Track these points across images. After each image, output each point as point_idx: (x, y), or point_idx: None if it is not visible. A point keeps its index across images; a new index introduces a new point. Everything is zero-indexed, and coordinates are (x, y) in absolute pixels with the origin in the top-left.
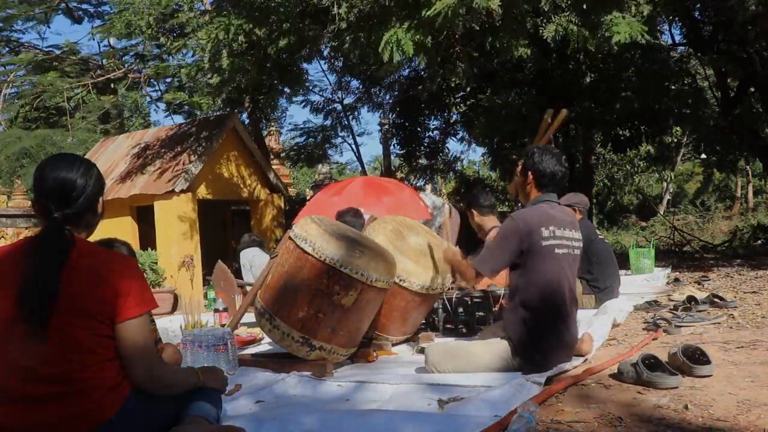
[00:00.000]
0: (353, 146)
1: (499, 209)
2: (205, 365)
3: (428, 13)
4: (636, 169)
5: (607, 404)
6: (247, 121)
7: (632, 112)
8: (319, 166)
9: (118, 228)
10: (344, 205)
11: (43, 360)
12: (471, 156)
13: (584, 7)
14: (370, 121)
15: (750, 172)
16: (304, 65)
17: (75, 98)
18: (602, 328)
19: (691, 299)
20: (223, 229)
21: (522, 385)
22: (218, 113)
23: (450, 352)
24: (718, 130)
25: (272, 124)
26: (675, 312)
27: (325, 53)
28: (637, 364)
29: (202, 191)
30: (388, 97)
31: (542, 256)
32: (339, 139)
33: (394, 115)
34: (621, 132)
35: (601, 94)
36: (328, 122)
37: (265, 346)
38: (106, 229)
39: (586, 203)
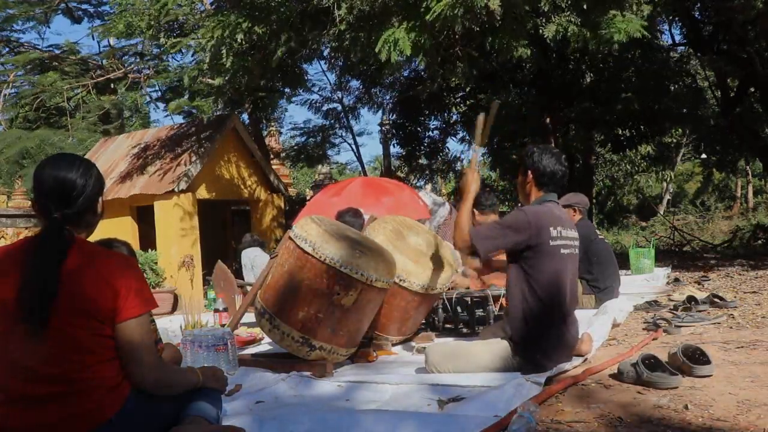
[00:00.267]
0: (353, 146)
1: (499, 209)
2: (205, 365)
3: (428, 17)
4: (636, 169)
5: (607, 404)
6: (247, 121)
7: (632, 112)
8: (319, 166)
9: (118, 228)
10: (344, 205)
11: (43, 360)
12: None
13: (584, 7)
14: (370, 121)
15: (750, 172)
16: (304, 65)
17: (75, 98)
18: (602, 328)
19: (691, 299)
20: (223, 229)
21: (522, 385)
22: (218, 113)
23: (450, 352)
24: (718, 130)
25: (272, 124)
26: (675, 312)
27: (325, 53)
28: (637, 364)
29: (202, 191)
30: (388, 97)
31: (549, 255)
32: (339, 139)
33: (394, 116)
34: (621, 132)
35: (601, 94)
36: (328, 122)
37: (265, 346)
38: (106, 229)
39: (586, 203)
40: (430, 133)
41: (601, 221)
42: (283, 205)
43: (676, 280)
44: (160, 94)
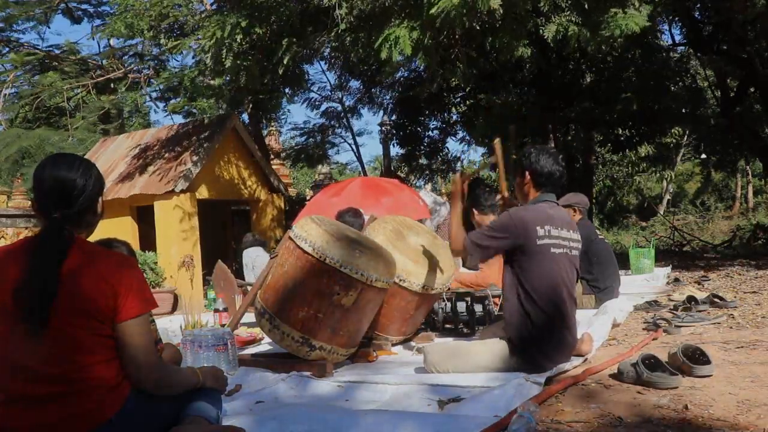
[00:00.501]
0: (353, 146)
1: (499, 210)
2: (205, 365)
3: (432, 10)
4: (636, 169)
5: (607, 404)
6: (247, 121)
7: (632, 112)
8: (319, 166)
9: (118, 228)
10: (344, 205)
11: (43, 360)
12: (471, 156)
13: (585, 6)
14: (370, 121)
15: (750, 172)
16: (305, 65)
17: (75, 98)
18: (602, 328)
19: (691, 299)
20: (223, 229)
21: (522, 385)
22: (219, 113)
23: (450, 353)
24: (718, 130)
25: (272, 124)
26: (675, 312)
27: (326, 53)
28: (637, 364)
29: (202, 191)
30: (388, 97)
31: (538, 255)
32: (339, 139)
33: (394, 116)
34: (621, 132)
35: (601, 94)
36: (328, 122)
37: (265, 346)
38: (106, 229)
39: (586, 203)
40: (430, 133)
41: (601, 221)
42: (283, 205)
43: (676, 280)
44: (159, 94)
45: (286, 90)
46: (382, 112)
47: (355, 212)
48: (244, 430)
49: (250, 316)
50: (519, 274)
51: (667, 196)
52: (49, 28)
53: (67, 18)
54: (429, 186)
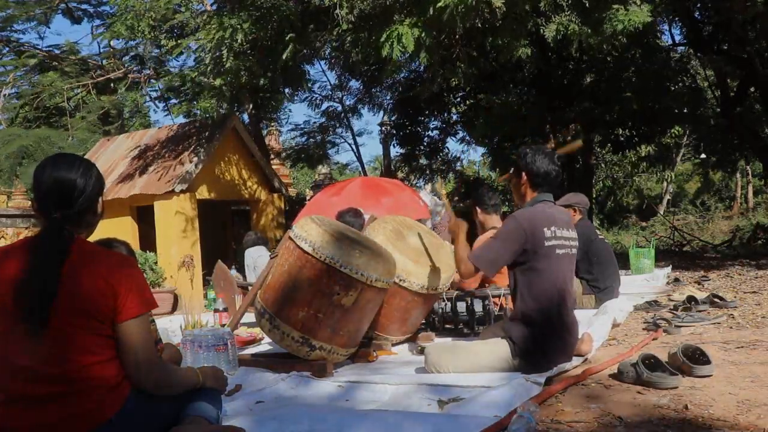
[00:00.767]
0: (353, 146)
1: (501, 210)
2: (205, 365)
3: (439, 4)
4: (636, 169)
5: (607, 404)
6: (247, 121)
7: (632, 112)
8: (319, 166)
9: (118, 228)
10: (344, 205)
11: (43, 360)
12: (471, 156)
13: (586, 5)
14: (370, 121)
15: (750, 172)
16: (306, 66)
17: (75, 98)
18: (602, 328)
19: (691, 299)
20: (223, 229)
21: (522, 385)
22: (222, 113)
23: (450, 352)
24: (718, 130)
25: (272, 124)
26: (675, 312)
27: (326, 53)
28: (637, 364)
29: (202, 191)
30: (388, 97)
31: (545, 256)
32: (339, 139)
33: (394, 116)
34: (621, 132)
35: (601, 94)
36: (328, 122)
37: (265, 346)
38: (106, 229)
39: (586, 203)
40: (430, 133)
41: (601, 221)
42: (283, 206)
43: (676, 280)
44: (159, 94)
45: (287, 90)
46: (382, 113)
47: (355, 212)
48: (244, 430)
49: (250, 316)
50: (524, 275)
51: (667, 196)
52: (48, 28)
53: (67, 18)
54: (429, 186)
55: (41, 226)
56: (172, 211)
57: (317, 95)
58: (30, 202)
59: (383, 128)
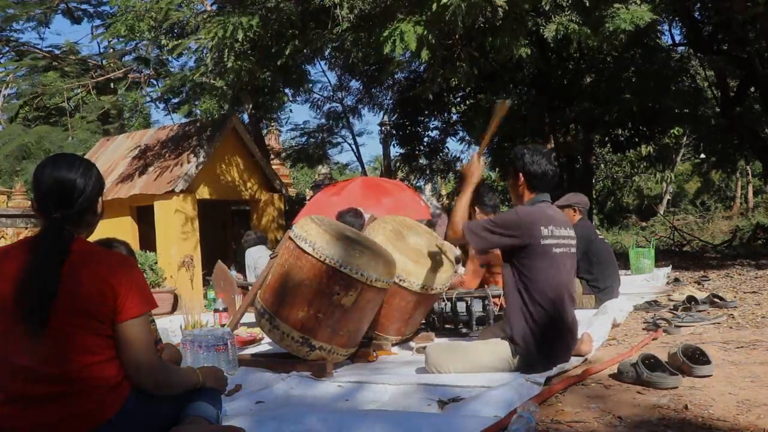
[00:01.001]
0: (353, 146)
1: (500, 210)
2: (205, 365)
3: (443, 2)
4: (636, 169)
5: (607, 404)
6: (247, 121)
7: (632, 112)
8: (319, 166)
9: (118, 228)
10: (344, 205)
11: (43, 360)
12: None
13: (586, 5)
14: (370, 121)
15: (750, 172)
16: (306, 66)
17: (75, 98)
18: (602, 328)
19: (691, 299)
20: (223, 229)
21: (522, 385)
22: (222, 113)
23: (450, 353)
24: (718, 130)
25: (272, 124)
26: (675, 312)
27: (326, 53)
28: (637, 364)
29: (202, 191)
30: (388, 97)
31: (541, 255)
32: (339, 139)
33: (395, 116)
34: (621, 132)
35: (601, 94)
36: (329, 122)
37: (265, 346)
38: (106, 229)
39: (586, 203)
40: (430, 133)
41: (601, 221)
42: (283, 206)
43: (676, 280)
44: (159, 93)
45: (288, 90)
46: (381, 113)
47: (355, 212)
48: (244, 430)
49: (250, 316)
50: (521, 274)
51: (667, 196)
52: (48, 28)
53: (67, 18)
54: (429, 186)
55: (41, 226)
56: (172, 211)
57: (319, 96)
58: (30, 202)
59: (383, 128)
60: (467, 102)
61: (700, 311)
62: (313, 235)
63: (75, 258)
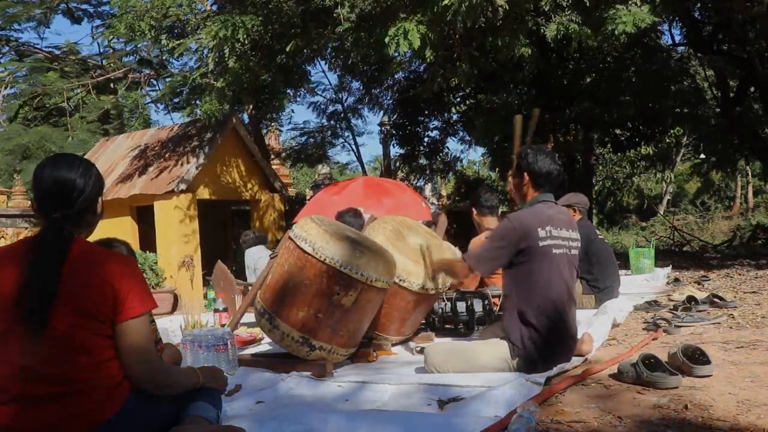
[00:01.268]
0: (353, 146)
1: (499, 210)
2: (205, 365)
3: (444, 2)
4: (636, 169)
5: (607, 404)
6: (247, 121)
7: (632, 112)
8: (319, 166)
9: (118, 228)
10: (344, 204)
11: (43, 360)
12: (471, 156)
13: (587, 4)
14: (370, 121)
15: (750, 172)
16: (307, 66)
17: (75, 98)
18: (602, 328)
19: (691, 299)
20: (223, 229)
21: (522, 385)
22: (222, 113)
23: (450, 353)
24: (718, 130)
25: (272, 124)
26: (675, 312)
27: (327, 54)
28: (637, 364)
29: (202, 191)
30: (388, 97)
31: (539, 256)
32: (340, 140)
33: (395, 116)
34: (621, 132)
35: (601, 94)
36: (331, 123)
37: (265, 346)
38: (106, 229)
39: (586, 203)
40: (430, 133)
41: (601, 221)
42: (283, 206)
43: (676, 280)
44: (160, 95)
45: (289, 91)
46: (381, 113)
47: (355, 212)
48: (244, 430)
49: (250, 316)
50: (520, 275)
51: (667, 196)
52: (48, 28)
53: (67, 18)
54: (428, 186)
55: (41, 226)
56: (172, 212)
57: (322, 99)
58: (30, 202)
59: (383, 128)
60: (467, 102)
61: (700, 311)
62: (313, 235)
63: (75, 258)
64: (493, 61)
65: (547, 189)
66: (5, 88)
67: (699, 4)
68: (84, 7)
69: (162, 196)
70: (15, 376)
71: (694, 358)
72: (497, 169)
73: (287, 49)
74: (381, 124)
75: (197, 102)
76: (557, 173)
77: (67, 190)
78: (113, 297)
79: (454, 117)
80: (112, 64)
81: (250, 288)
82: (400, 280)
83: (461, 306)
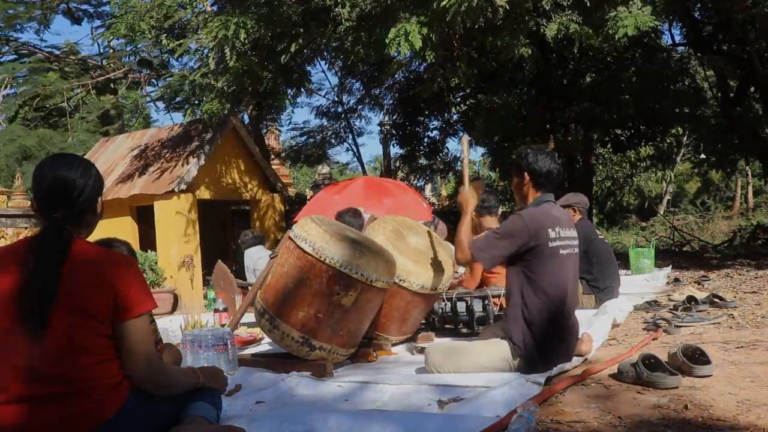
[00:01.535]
0: (353, 146)
1: (500, 211)
2: (205, 365)
3: (443, 3)
4: (636, 169)
5: (607, 404)
6: (247, 121)
7: (632, 112)
8: (319, 166)
9: (118, 228)
10: (345, 203)
11: (43, 360)
12: (471, 156)
13: (587, 4)
14: (370, 120)
15: (750, 172)
16: (307, 66)
17: (75, 99)
18: (602, 328)
19: (691, 299)
20: (223, 229)
21: (522, 385)
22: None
23: (450, 353)
24: (718, 130)
25: (272, 124)
26: (675, 312)
27: (326, 54)
28: (637, 364)
29: (202, 191)
30: (388, 97)
31: (549, 257)
32: (339, 139)
33: (395, 116)
34: (621, 132)
35: (601, 94)
36: (331, 123)
37: (265, 346)
38: (106, 229)
39: (586, 203)
40: (430, 133)
41: (601, 221)
42: (282, 206)
43: (676, 280)
44: (161, 95)
45: (289, 91)
46: (381, 113)
47: (354, 212)
48: (244, 430)
49: (250, 316)
50: (528, 276)
51: (667, 196)
52: (48, 29)
53: (67, 18)
54: (429, 186)
55: (41, 226)
56: (172, 211)
57: (324, 102)
58: (30, 202)
59: (383, 128)
60: (467, 102)
61: (700, 311)
62: (313, 235)
63: (75, 258)
64: (493, 61)
65: (547, 189)
66: (5, 88)
67: (699, 4)
68: (84, 7)
69: (162, 196)
70: (15, 376)
71: (694, 358)
72: (497, 169)
73: (291, 48)
74: (381, 124)
75: (197, 102)
76: (557, 173)
77: (67, 190)
78: (113, 297)
79: (454, 117)
80: (112, 65)
81: (249, 288)
82: (400, 280)
83: (461, 306)
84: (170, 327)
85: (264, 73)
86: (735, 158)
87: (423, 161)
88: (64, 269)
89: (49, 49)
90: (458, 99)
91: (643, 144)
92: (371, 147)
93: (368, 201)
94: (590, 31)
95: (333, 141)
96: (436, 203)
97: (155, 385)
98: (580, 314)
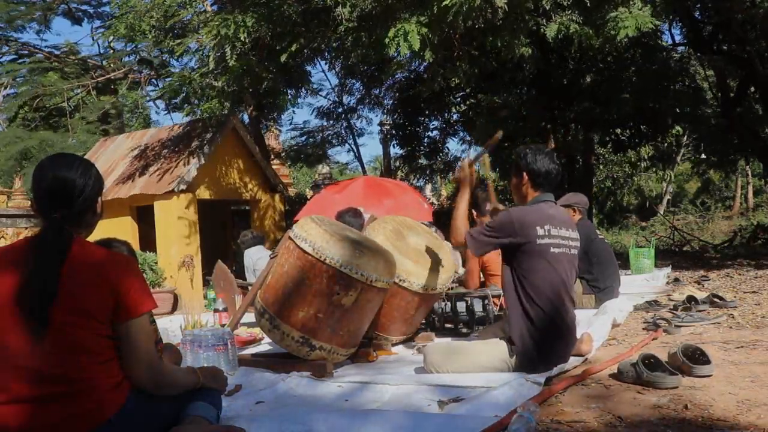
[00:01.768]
0: (353, 146)
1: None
2: (205, 365)
3: (444, 3)
4: (636, 169)
5: (607, 404)
6: (247, 121)
7: (632, 112)
8: (319, 166)
9: (118, 228)
10: (345, 203)
11: (43, 360)
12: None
13: (587, 4)
14: (370, 120)
15: (750, 172)
16: (307, 66)
17: (75, 99)
18: (602, 328)
19: (691, 299)
20: (223, 229)
21: (522, 385)
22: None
23: (450, 353)
24: (718, 130)
25: (272, 124)
26: (675, 312)
27: (326, 54)
28: (637, 364)
29: (202, 191)
30: (388, 97)
31: (538, 255)
32: (339, 139)
33: (395, 116)
34: (621, 132)
35: (601, 94)
36: (331, 123)
37: (265, 346)
38: (106, 229)
39: (586, 203)
40: (430, 133)
41: (601, 221)
42: (283, 206)
43: (676, 280)
44: (161, 95)
45: (289, 91)
46: (382, 113)
47: (354, 212)
48: (244, 430)
49: (250, 316)
50: (519, 274)
51: (667, 196)
52: (48, 29)
53: (68, 19)
54: (429, 187)
55: (41, 226)
56: (172, 211)
57: (325, 100)
58: (30, 202)
59: (383, 128)
60: (467, 102)
61: (700, 311)
62: (313, 235)
63: (75, 258)
64: (493, 61)
65: (546, 189)
66: (5, 88)
67: (699, 4)
68: (84, 7)
69: (162, 196)
70: (15, 376)
71: (694, 358)
72: (497, 169)
73: (291, 48)
74: (381, 124)
75: (197, 102)
76: (556, 173)
77: (67, 190)
78: (113, 297)
79: (454, 117)
80: (112, 65)
81: (249, 288)
82: (400, 280)
83: (461, 306)
84: (170, 327)
85: (264, 72)
86: (735, 158)
87: (423, 161)
88: (64, 269)
89: (50, 50)
90: (458, 99)
91: (643, 144)
92: (371, 147)
93: (368, 201)
94: (590, 31)
95: (333, 141)
96: (436, 203)
97: (155, 385)
98: (580, 314)
